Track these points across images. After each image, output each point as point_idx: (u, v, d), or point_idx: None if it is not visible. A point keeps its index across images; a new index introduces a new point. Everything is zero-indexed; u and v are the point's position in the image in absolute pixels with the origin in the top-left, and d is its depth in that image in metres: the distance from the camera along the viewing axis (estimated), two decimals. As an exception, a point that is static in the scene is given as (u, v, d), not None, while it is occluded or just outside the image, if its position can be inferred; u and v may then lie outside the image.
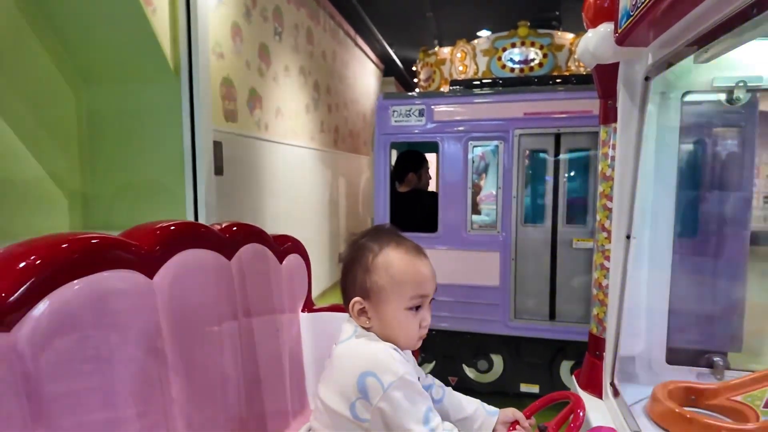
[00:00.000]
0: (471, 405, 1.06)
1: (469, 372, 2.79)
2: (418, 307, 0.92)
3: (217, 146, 3.11)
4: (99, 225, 2.74)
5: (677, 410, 1.03)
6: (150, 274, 0.95)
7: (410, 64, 7.14)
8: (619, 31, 1.06)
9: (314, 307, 1.58)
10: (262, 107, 3.76)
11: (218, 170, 3.14)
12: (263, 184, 3.79)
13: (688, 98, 1.22)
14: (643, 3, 0.93)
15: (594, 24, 1.20)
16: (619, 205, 1.19)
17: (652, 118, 1.16)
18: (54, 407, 0.72)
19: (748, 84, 1.17)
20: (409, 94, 3.07)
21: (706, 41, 0.93)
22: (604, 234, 1.31)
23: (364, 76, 6.81)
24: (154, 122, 2.81)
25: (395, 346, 0.90)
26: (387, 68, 7.65)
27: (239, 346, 1.22)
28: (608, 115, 1.30)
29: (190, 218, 2.91)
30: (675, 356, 1.34)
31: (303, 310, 1.55)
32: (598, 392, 1.23)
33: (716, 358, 1.21)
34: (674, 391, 1.10)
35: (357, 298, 0.93)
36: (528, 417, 1.04)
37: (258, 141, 3.71)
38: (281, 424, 1.38)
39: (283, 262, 1.48)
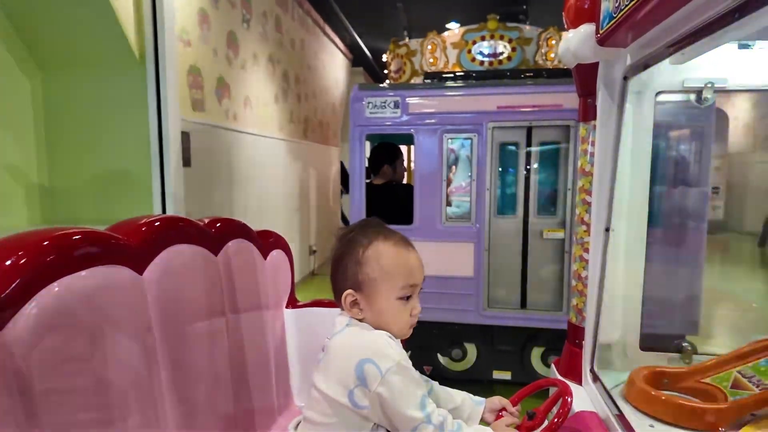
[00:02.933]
0: (459, 396, 1.09)
1: (444, 361, 2.86)
2: (408, 297, 0.95)
3: (185, 137, 3.02)
4: (62, 220, 2.62)
5: (653, 393, 1.09)
6: (140, 270, 0.93)
7: (379, 55, 7.12)
8: (601, 32, 1.10)
9: (298, 303, 1.58)
10: (230, 96, 3.66)
11: (186, 161, 3.05)
12: (232, 175, 3.71)
13: (660, 98, 1.28)
14: (626, 6, 0.96)
15: (575, 24, 1.24)
16: (598, 200, 1.25)
17: (629, 117, 1.22)
18: (46, 405, 0.71)
19: (715, 85, 1.24)
20: (383, 85, 3.06)
21: (682, 45, 0.97)
22: (583, 227, 1.37)
23: (333, 65, 6.73)
24: (119, 112, 2.70)
25: (390, 334, 0.93)
26: (356, 58, 7.58)
27: (227, 343, 1.20)
28: (587, 113, 1.34)
29: (158, 211, 2.83)
30: (643, 342, 1.42)
31: (287, 307, 1.55)
32: (577, 379, 1.29)
33: (685, 344, 1.29)
34: (649, 375, 1.16)
35: (349, 291, 0.95)
36: (514, 404, 1.08)
37: (226, 131, 3.62)
38: (268, 420, 1.38)
39: (267, 257, 1.47)
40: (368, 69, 8.18)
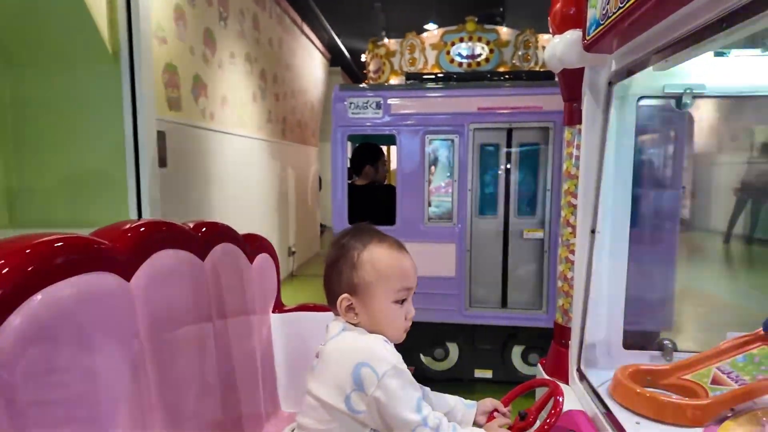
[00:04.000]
0: (451, 400, 1.10)
1: (426, 360, 2.87)
2: (403, 301, 0.96)
3: (161, 136, 2.94)
4: (32, 222, 2.52)
5: (638, 390, 1.13)
6: (127, 277, 0.90)
7: (358, 55, 7.10)
8: (588, 38, 1.12)
9: (284, 308, 1.56)
10: (207, 95, 3.59)
11: (162, 162, 2.97)
12: (209, 176, 3.64)
13: (642, 102, 1.32)
14: (613, 13, 0.98)
15: (560, 30, 1.26)
16: (584, 202, 1.27)
17: (612, 121, 1.24)
18: (32, 416, 0.69)
19: (694, 91, 1.28)
20: (364, 85, 3.06)
21: (667, 52, 1.00)
22: (569, 229, 1.39)
23: (311, 65, 6.68)
24: (92, 110, 2.61)
25: (385, 338, 0.93)
26: (334, 58, 7.54)
27: (214, 349, 1.18)
28: (573, 117, 1.37)
29: (133, 213, 2.76)
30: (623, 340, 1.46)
31: (273, 311, 1.53)
32: (564, 378, 1.31)
33: (665, 341, 1.33)
34: (633, 373, 1.20)
35: (344, 295, 0.94)
36: (506, 405, 1.09)
37: (203, 131, 3.55)
38: (255, 427, 1.36)
39: (254, 262, 1.45)
40: (346, 69, 8.15)
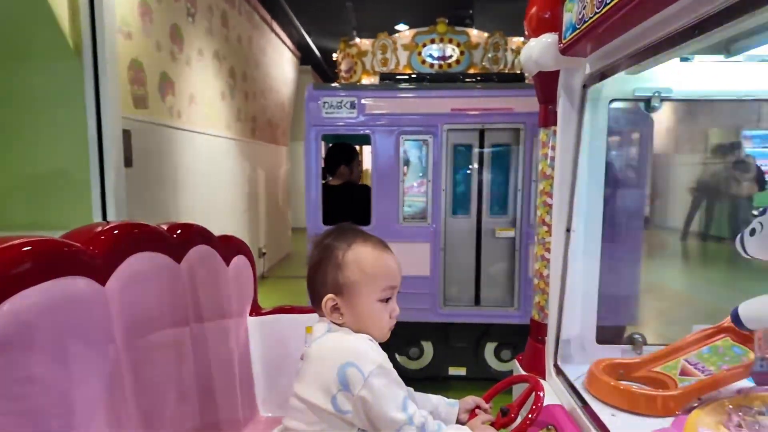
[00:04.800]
0: (434, 399, 1.11)
1: (401, 360, 2.88)
2: (388, 299, 0.96)
3: (126, 135, 2.85)
4: (-12, 225, 2.39)
5: (612, 383, 1.16)
6: (102, 281, 0.87)
7: (328, 54, 7.06)
8: (564, 41, 1.15)
9: (261, 311, 1.54)
10: (174, 93, 3.49)
11: (128, 161, 2.88)
12: (177, 176, 3.54)
13: (613, 105, 1.36)
14: (590, 18, 1.02)
15: (536, 34, 1.29)
16: (559, 202, 1.31)
17: (585, 123, 1.28)
18: (7, 423, 0.66)
19: (662, 95, 1.33)
20: (337, 85, 3.04)
21: (639, 57, 1.04)
22: (545, 228, 1.43)
23: (281, 63, 6.59)
24: (52, 108, 2.50)
25: (371, 337, 0.93)
26: (304, 57, 7.47)
27: (191, 353, 1.15)
28: (548, 119, 1.40)
29: (98, 214, 2.65)
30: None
31: (251, 314, 1.50)
32: (541, 374, 1.34)
33: (636, 335, 1.39)
34: (607, 367, 1.23)
35: (329, 295, 0.94)
36: (487, 401, 1.11)
37: (171, 130, 3.45)
38: (234, 432, 1.33)
39: (230, 264, 1.42)
40: (317, 68, 8.09)
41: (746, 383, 1.15)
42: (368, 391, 0.84)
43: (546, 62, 1.26)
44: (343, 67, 4.42)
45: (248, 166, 5.12)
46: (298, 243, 7.16)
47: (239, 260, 1.48)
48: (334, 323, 0.95)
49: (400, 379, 0.92)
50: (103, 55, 2.58)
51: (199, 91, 3.91)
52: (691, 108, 1.87)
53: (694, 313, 2.00)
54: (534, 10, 1.31)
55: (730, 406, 1.06)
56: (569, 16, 1.11)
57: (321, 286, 0.95)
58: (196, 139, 3.85)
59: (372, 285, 0.93)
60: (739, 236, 0.95)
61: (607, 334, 1.49)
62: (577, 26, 1.07)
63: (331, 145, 3.09)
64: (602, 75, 1.20)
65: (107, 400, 0.85)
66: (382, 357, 0.90)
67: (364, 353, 0.88)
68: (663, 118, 1.74)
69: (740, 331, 1.22)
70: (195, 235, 1.26)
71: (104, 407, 0.84)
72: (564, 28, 1.14)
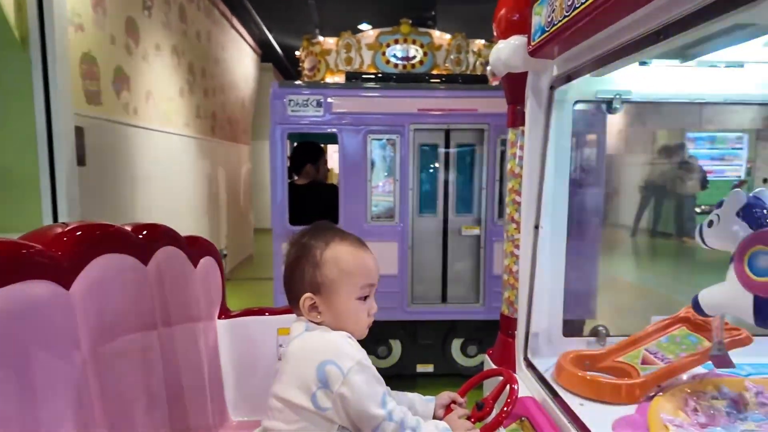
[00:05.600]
0: (410, 396, 1.12)
1: (369, 359, 2.88)
2: (366, 297, 0.97)
3: (79, 132, 2.71)
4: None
5: (580, 374, 1.21)
6: (66, 285, 0.82)
7: (290, 52, 6.96)
8: (533, 44, 1.18)
9: (230, 313, 1.50)
10: (130, 89, 3.35)
11: (80, 160, 2.74)
12: (134, 175, 3.40)
13: (577, 107, 1.42)
14: (558, 21, 1.05)
15: (505, 36, 1.32)
16: (527, 200, 1.34)
17: (552, 123, 1.33)
18: None
19: (622, 97, 1.39)
20: (301, 83, 3.01)
21: (604, 60, 1.09)
22: (514, 225, 1.47)
23: (241, 60, 6.45)
24: (-2, 103, 2.34)
25: (349, 334, 0.93)
26: (265, 54, 7.33)
27: (160, 359, 1.11)
28: (516, 119, 1.44)
29: (48, 215, 2.51)
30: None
31: (219, 317, 1.46)
32: (511, 367, 1.38)
33: (600, 327, 1.44)
34: (574, 359, 1.28)
35: (307, 294, 0.93)
36: (462, 396, 1.12)
37: (127, 127, 3.31)
38: (204, 438, 1.29)
39: (197, 265, 1.37)
40: (278, 65, 7.96)
41: (701, 370, 1.22)
42: (348, 388, 0.84)
43: (515, 64, 1.29)
44: (306, 65, 4.37)
45: (208, 165, 4.98)
46: (260, 244, 7.03)
47: (207, 261, 1.44)
48: (312, 322, 0.95)
49: (379, 376, 0.92)
50: (52, 47, 2.44)
51: (157, 88, 3.77)
52: (640, 111, 1.98)
53: (650, 305, 2.12)
54: (503, 12, 1.34)
55: (688, 391, 1.12)
56: (538, 19, 1.15)
57: (299, 285, 0.94)
58: (154, 137, 3.70)
59: (350, 283, 0.93)
60: (698, 228, 1.01)
61: (569, 328, 1.54)
62: (546, 29, 1.11)
63: (296, 144, 3.05)
64: (568, 77, 1.24)
65: (73, 410, 0.80)
66: (361, 354, 0.90)
67: (342, 350, 0.88)
68: (614, 120, 1.82)
69: (695, 321, 1.30)
70: (161, 235, 1.22)
71: (70, 418, 0.79)
72: (533, 31, 1.18)
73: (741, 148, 5.49)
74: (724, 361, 1.06)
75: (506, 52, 1.29)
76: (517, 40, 1.27)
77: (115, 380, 0.93)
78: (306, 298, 0.93)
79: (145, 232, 1.16)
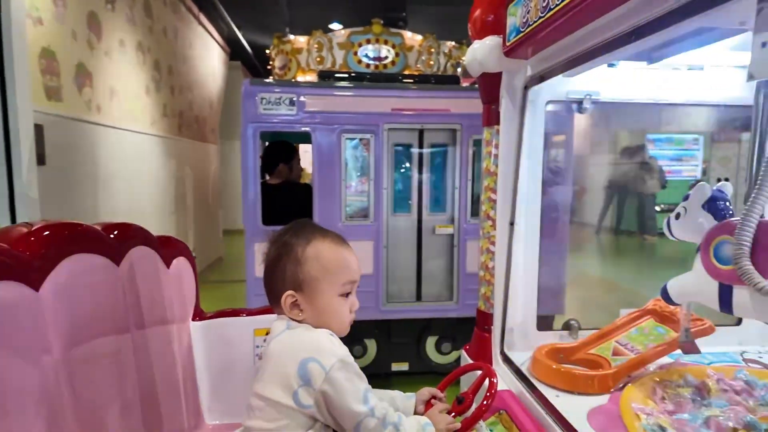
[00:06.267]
0: (391, 393, 1.12)
1: (346, 358, 2.87)
2: (347, 294, 0.97)
3: (39, 130, 2.60)
4: None
5: (554, 366, 1.24)
6: (35, 286, 0.79)
7: (259, 50, 6.85)
8: (508, 44, 1.21)
9: (205, 315, 1.47)
10: (92, 86, 3.23)
11: (40, 159, 2.63)
12: (97, 175, 3.28)
13: (548, 107, 1.45)
14: (534, 22, 1.08)
15: (480, 36, 1.34)
16: (503, 197, 1.37)
17: (527, 122, 1.36)
18: None
19: (591, 97, 1.44)
20: (272, 81, 2.97)
21: (576, 62, 1.12)
22: (489, 222, 1.49)
23: (209, 58, 6.31)
24: (-52, 98, 2.22)
25: (331, 332, 0.93)
26: (234, 52, 7.20)
27: (133, 362, 1.08)
28: (491, 118, 1.47)
29: (5, 216, 2.39)
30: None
31: (193, 319, 1.43)
32: (488, 362, 1.40)
33: (572, 321, 1.49)
34: (548, 352, 1.31)
35: (289, 292, 0.93)
36: (442, 391, 1.14)
37: (90, 125, 3.20)
38: (179, 443, 1.26)
39: (170, 266, 1.34)
40: (247, 64, 7.83)
41: (668, 359, 1.28)
42: (329, 385, 0.85)
43: (490, 64, 1.31)
44: (277, 63, 4.31)
45: (175, 164, 4.85)
46: (230, 246, 6.89)
47: (180, 262, 1.40)
48: (294, 320, 0.94)
49: (361, 373, 0.93)
50: (9, 41, 2.34)
51: (121, 85, 3.65)
52: (603, 112, 2.05)
53: (616, 299, 2.19)
54: (478, 12, 1.36)
55: (656, 380, 1.17)
56: (513, 20, 1.17)
57: (280, 283, 0.93)
58: (119, 136, 3.59)
59: (333, 280, 0.94)
60: (665, 221, 1.05)
61: (540, 323, 1.58)
62: (521, 29, 1.13)
63: (267, 143, 3.01)
64: (541, 77, 1.27)
65: (44, 418, 0.77)
66: (344, 351, 0.90)
67: (324, 348, 0.88)
68: (578, 121, 1.88)
69: (662, 313, 1.36)
70: (133, 235, 1.18)
71: (40, 424, 0.76)
72: (508, 31, 1.20)
73: (697, 150, 5.77)
74: (691, 348, 1.11)
75: (481, 52, 1.32)
76: (492, 41, 1.29)
77: (87, 385, 0.90)
78: (288, 296, 0.92)
79: (116, 232, 1.12)
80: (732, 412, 0.95)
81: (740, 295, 0.82)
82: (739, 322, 1.48)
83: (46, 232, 0.88)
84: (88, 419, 0.88)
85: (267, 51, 4.68)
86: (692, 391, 1.12)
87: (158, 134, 4.41)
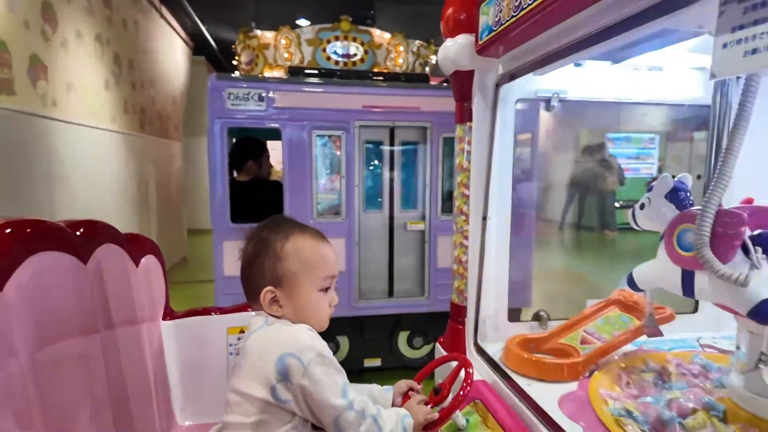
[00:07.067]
0: (368, 386, 1.13)
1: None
2: (327, 289, 0.97)
3: (-12, 125, 2.47)
4: None
5: (526, 356, 1.28)
6: (-1, 285, 0.75)
7: (224, 45, 6.70)
8: (480, 42, 1.23)
9: (175, 314, 1.43)
10: (48, 79, 3.09)
11: (-9, 155, 2.50)
12: (53, 172, 3.14)
13: (518, 106, 1.49)
14: (506, 21, 1.10)
15: (452, 34, 1.37)
16: (476, 192, 1.40)
17: (498, 119, 1.39)
18: None
19: (559, 96, 1.49)
20: (239, 76, 2.92)
21: (546, 61, 1.16)
22: (463, 217, 1.52)
23: (172, 52, 6.12)
24: None
25: (309, 327, 0.93)
26: (198, 47, 7.01)
27: (103, 363, 1.04)
28: (464, 115, 1.49)
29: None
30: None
31: (164, 318, 1.39)
32: (462, 353, 1.42)
33: (541, 312, 1.53)
34: (520, 342, 1.35)
35: (268, 288, 0.93)
36: (419, 383, 1.15)
37: (44, 120, 3.05)
38: (151, 445, 1.22)
39: (139, 265, 1.30)
40: (211, 59, 7.64)
41: (631, 347, 1.34)
42: (308, 380, 0.85)
43: (462, 62, 1.34)
44: (243, 59, 4.23)
45: (137, 162, 4.69)
46: (195, 246, 6.72)
47: (148, 260, 1.37)
48: (273, 316, 0.94)
49: (340, 367, 0.93)
50: (-45, 29, 2.20)
51: (79, 79, 3.50)
52: (565, 111, 2.13)
53: (579, 291, 2.27)
54: (450, 11, 1.38)
55: (622, 366, 1.23)
56: (485, 19, 1.20)
57: (258, 279, 0.93)
58: (77, 132, 3.44)
59: (312, 275, 0.94)
60: (631, 211, 1.10)
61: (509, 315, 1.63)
62: (494, 28, 1.16)
63: (235, 139, 2.96)
64: (512, 76, 1.31)
65: (11, 423, 0.74)
66: (322, 346, 0.91)
67: (303, 343, 0.88)
68: (543, 120, 1.94)
69: (626, 303, 1.42)
70: (100, 232, 1.14)
71: (7, 429, 0.73)
72: (480, 30, 1.23)
73: (653, 148, 6.04)
74: (654, 331, 1.17)
75: (454, 50, 1.34)
76: (464, 39, 1.32)
77: (55, 388, 0.86)
78: (267, 292, 0.92)
79: (82, 230, 1.08)
80: (692, 393, 1.01)
81: (701, 281, 0.87)
82: (695, 309, 1.56)
83: (8, 230, 0.84)
84: (58, 423, 0.85)
85: (233, 46, 4.59)
86: (654, 375, 1.18)
87: (119, 131, 4.26)
